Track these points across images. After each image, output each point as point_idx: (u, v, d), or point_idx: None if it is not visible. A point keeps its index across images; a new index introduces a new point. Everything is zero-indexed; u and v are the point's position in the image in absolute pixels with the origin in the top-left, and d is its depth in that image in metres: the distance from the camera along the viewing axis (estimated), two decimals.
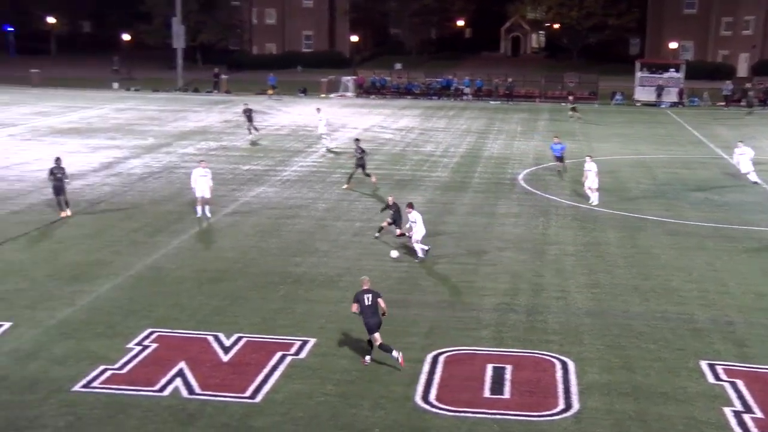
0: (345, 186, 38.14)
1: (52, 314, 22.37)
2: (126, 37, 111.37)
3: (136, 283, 24.98)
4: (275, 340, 20.79)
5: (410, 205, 28.13)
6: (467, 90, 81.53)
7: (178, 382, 18.39)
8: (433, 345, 20.69)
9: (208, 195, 32.51)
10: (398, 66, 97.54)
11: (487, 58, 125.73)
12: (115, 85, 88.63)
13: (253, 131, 52.72)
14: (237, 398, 17.74)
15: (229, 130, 57.32)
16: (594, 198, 35.76)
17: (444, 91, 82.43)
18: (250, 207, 34.90)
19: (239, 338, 20.86)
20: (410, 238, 27.84)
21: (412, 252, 27.73)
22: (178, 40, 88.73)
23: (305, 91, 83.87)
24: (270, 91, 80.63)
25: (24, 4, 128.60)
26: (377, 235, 29.71)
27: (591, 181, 35.69)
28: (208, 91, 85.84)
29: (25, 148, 48.61)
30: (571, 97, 72.82)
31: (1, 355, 19.82)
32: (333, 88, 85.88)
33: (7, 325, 21.54)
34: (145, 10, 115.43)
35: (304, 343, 20.65)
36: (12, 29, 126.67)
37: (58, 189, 32.62)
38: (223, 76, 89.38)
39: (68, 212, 32.59)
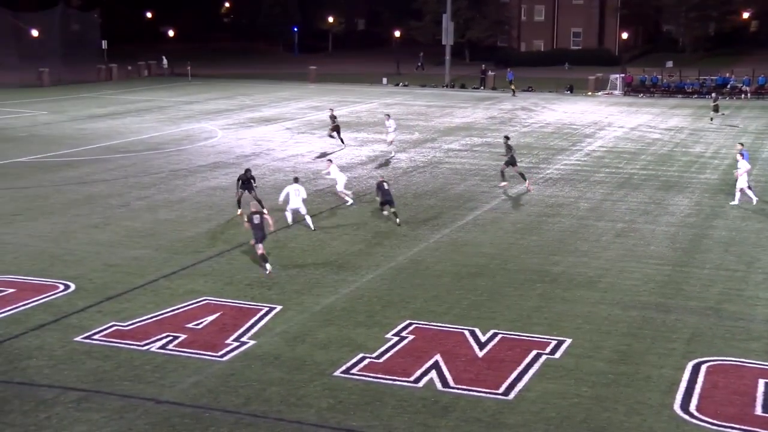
0: (503, 183, 37.70)
1: (317, 300, 23.39)
2: (397, 33, 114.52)
3: (397, 275, 25.59)
4: (530, 339, 20.68)
5: (329, 161, 35.43)
6: (745, 88, 77.38)
7: (433, 374, 18.64)
8: (695, 353, 19.80)
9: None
10: (669, 64, 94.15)
11: None
12: (384, 80, 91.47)
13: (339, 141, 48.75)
14: (490, 394, 17.74)
15: (494, 126, 57.61)
16: (735, 199, 34.22)
17: (719, 90, 78.62)
18: (511, 203, 34.92)
19: (495, 334, 20.89)
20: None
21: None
22: (448, 37, 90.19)
23: (572, 88, 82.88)
24: (512, 87, 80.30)
25: (308, 5, 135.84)
26: (385, 212, 31.82)
27: (741, 180, 34.08)
28: (474, 88, 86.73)
29: (299, 141, 51.20)
30: (713, 94, 64.96)
31: (274, 335, 20.96)
32: (600, 86, 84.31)
33: (278, 308, 22.76)
34: (417, 7, 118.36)
35: (560, 342, 20.38)
36: (297, 29, 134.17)
37: (246, 191, 31.98)
38: (490, 73, 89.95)
39: (239, 211, 31.97)
